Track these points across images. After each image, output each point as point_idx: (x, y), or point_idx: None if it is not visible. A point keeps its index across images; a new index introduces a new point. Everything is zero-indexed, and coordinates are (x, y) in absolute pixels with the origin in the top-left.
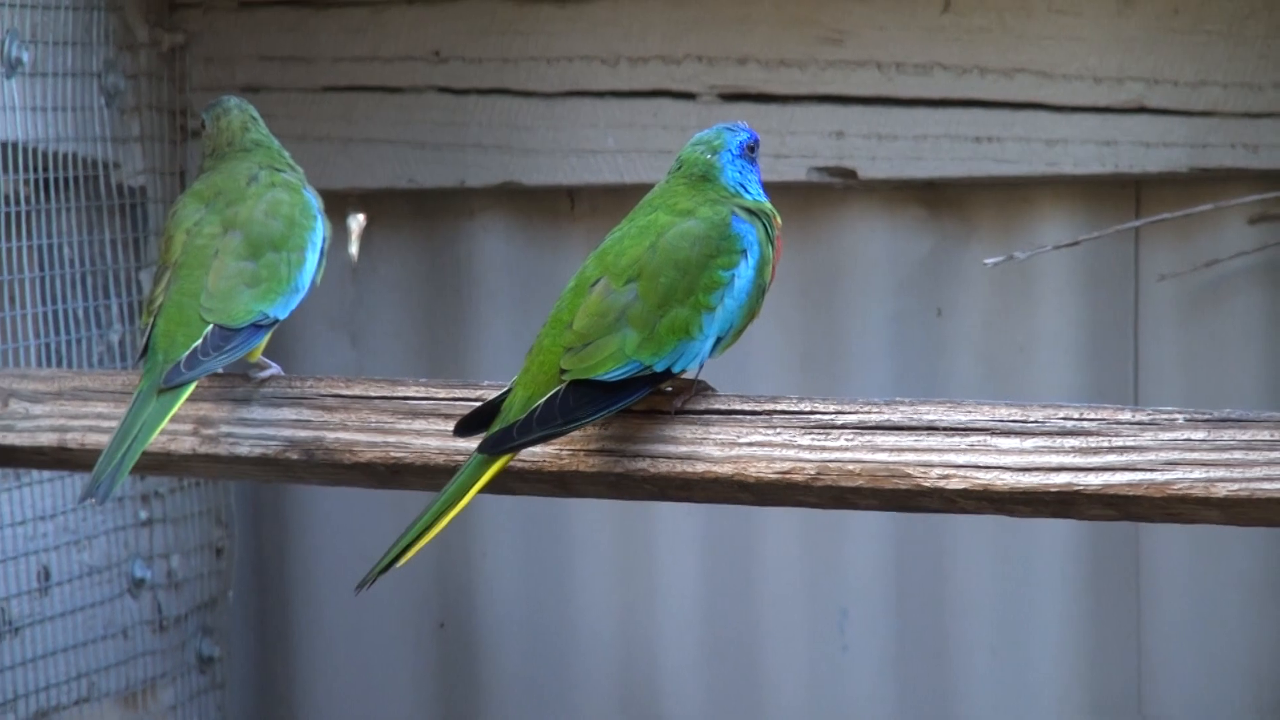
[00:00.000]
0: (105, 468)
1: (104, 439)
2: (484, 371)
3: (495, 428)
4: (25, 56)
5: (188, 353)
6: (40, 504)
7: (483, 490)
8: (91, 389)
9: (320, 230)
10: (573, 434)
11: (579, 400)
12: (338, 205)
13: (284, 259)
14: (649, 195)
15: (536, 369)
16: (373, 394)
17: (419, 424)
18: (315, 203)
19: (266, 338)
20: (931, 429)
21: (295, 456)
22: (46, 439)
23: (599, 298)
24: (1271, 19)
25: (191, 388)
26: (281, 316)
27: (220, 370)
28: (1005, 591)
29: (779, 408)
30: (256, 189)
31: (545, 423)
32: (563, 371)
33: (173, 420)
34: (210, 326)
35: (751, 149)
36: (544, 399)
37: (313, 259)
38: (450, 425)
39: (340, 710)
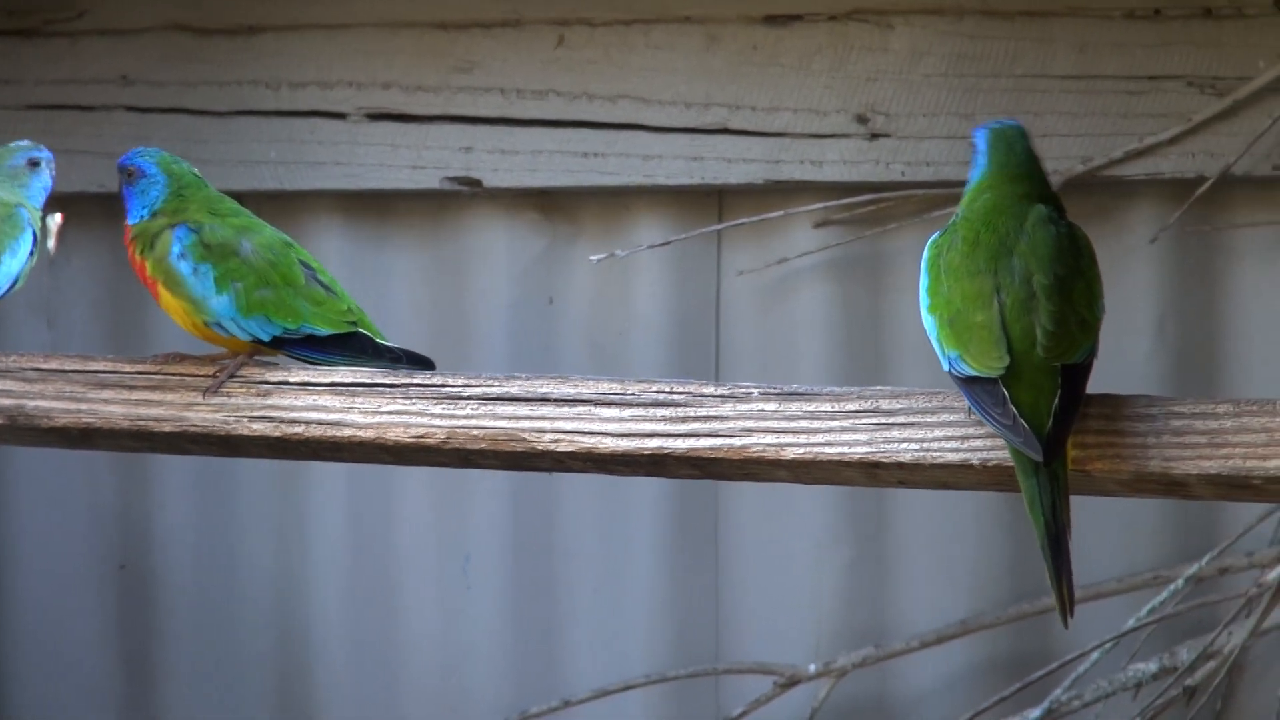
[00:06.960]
0: None
1: None
2: (164, 347)
3: None
4: None
5: None
6: None
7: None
8: None
9: (26, 239)
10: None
11: None
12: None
13: None
14: None
15: None
16: (68, 368)
17: (107, 394)
18: (26, 215)
19: None
20: (544, 400)
21: (1, 422)
22: None
23: None
24: (834, 55)
25: None
26: None
27: None
28: (605, 540)
29: (415, 381)
30: None
31: None
32: None
33: None
34: None
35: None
36: None
37: (10, 261)
38: (134, 395)
39: (35, 638)
